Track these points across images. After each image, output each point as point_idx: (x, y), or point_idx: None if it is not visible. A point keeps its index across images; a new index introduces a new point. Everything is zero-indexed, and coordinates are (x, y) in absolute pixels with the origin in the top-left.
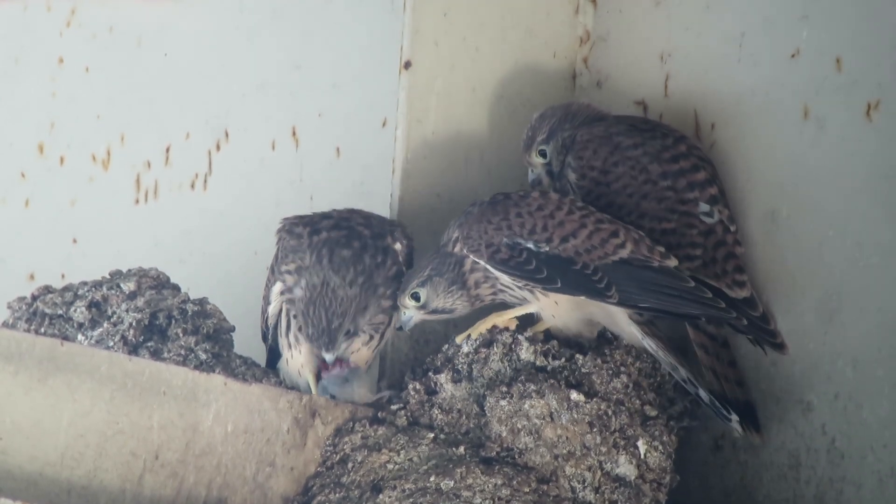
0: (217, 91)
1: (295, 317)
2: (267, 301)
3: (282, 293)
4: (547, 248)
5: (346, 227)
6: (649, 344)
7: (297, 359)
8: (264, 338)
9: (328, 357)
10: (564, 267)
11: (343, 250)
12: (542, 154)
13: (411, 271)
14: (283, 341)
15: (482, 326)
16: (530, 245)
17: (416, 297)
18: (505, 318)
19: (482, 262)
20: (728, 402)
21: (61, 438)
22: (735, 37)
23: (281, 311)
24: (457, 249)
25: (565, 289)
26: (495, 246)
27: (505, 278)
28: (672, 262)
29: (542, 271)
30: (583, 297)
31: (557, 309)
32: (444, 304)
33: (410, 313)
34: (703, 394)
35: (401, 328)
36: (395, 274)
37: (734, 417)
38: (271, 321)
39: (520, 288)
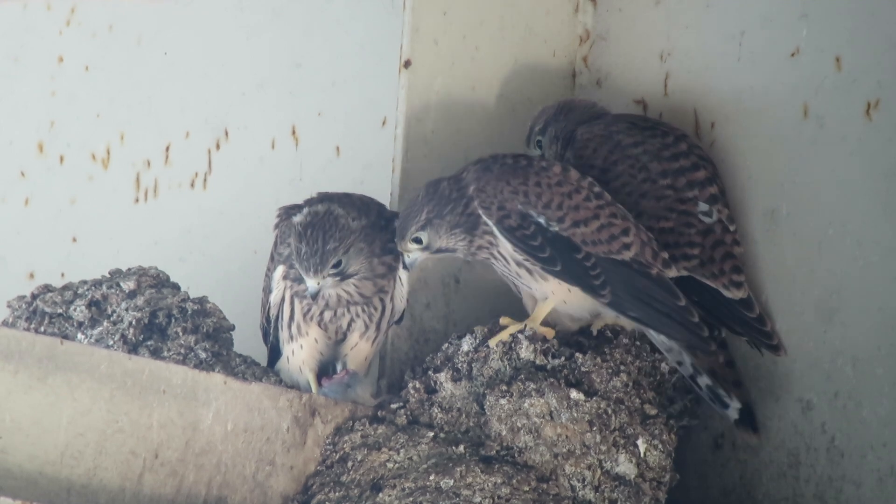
0: (217, 90)
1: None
2: (268, 290)
3: (284, 278)
4: (556, 228)
5: (346, 196)
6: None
7: (299, 355)
8: (265, 334)
9: (311, 284)
10: (568, 253)
11: (344, 205)
12: (539, 145)
13: (407, 211)
14: (284, 334)
15: (503, 335)
16: (541, 220)
17: (417, 241)
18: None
19: (490, 223)
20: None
21: (61, 437)
22: (735, 35)
23: (283, 300)
24: (473, 202)
25: (563, 274)
26: (507, 210)
27: (506, 247)
28: (671, 273)
29: (545, 250)
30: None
31: (570, 296)
32: (447, 244)
33: (415, 255)
34: (702, 380)
35: (405, 268)
36: (394, 248)
37: (734, 404)
38: (273, 312)
39: (517, 263)
